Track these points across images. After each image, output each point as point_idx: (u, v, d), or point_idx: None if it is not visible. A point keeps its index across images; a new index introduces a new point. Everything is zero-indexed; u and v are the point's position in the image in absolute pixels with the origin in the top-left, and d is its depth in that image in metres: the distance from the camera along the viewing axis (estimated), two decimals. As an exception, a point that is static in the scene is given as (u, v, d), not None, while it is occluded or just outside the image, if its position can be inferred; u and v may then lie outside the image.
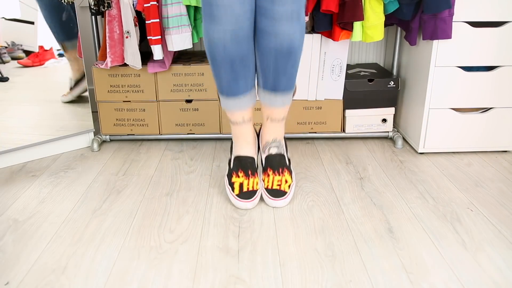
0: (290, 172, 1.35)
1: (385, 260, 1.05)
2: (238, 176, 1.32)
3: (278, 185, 1.30)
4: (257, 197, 1.30)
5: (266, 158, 1.34)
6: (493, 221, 1.22)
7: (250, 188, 1.30)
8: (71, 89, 1.65)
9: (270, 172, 1.32)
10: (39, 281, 0.99)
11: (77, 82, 1.67)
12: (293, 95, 1.31)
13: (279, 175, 1.31)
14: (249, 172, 1.32)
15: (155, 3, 1.52)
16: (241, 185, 1.30)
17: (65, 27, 1.60)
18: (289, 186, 1.31)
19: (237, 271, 1.02)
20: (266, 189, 1.31)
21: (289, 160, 1.39)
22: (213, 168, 1.57)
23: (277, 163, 1.33)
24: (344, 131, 1.80)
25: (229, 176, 1.34)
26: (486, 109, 1.61)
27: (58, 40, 1.60)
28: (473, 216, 1.24)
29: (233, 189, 1.31)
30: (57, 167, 1.59)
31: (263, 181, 1.33)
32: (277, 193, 1.29)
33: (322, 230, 1.18)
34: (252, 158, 1.35)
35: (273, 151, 1.34)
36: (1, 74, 1.51)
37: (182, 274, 1.01)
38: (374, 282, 0.98)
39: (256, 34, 1.19)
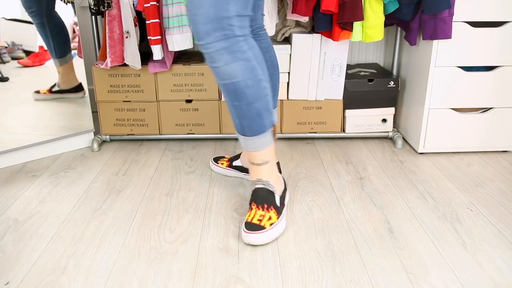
0: (278, 212, 1.18)
1: (385, 260, 1.05)
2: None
3: (258, 220, 1.14)
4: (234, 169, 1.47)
5: (252, 192, 1.21)
6: (493, 221, 1.22)
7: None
8: (50, 90, 1.61)
9: (254, 206, 1.17)
10: (39, 281, 0.99)
11: (61, 91, 1.64)
12: (273, 138, 1.19)
13: (263, 210, 1.16)
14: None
15: (155, 3, 1.52)
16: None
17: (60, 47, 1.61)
18: (271, 224, 1.14)
19: (237, 271, 1.02)
20: (245, 222, 1.15)
21: (281, 202, 1.22)
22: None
23: (262, 198, 1.18)
24: (344, 131, 1.80)
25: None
26: (486, 109, 1.61)
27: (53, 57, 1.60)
28: (473, 216, 1.24)
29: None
30: (57, 167, 1.59)
31: (246, 216, 1.18)
32: (253, 227, 1.12)
33: (322, 230, 1.18)
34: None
35: (259, 186, 1.20)
36: (1, 74, 1.50)
37: (182, 274, 1.01)
38: (374, 282, 0.98)
39: None
